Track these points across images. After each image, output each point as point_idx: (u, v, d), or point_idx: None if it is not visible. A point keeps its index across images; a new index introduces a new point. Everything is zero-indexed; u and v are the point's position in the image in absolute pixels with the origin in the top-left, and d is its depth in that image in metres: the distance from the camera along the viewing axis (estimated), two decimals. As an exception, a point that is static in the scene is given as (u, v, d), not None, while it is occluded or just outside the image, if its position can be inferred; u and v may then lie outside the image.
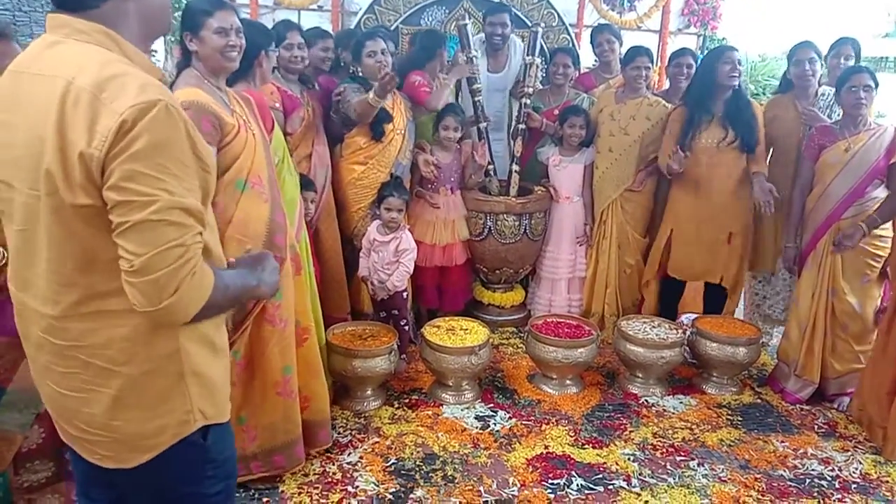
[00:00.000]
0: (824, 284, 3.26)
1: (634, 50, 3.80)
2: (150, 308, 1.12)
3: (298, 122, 3.27)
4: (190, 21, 2.18)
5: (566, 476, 2.72)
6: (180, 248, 1.12)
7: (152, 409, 1.26)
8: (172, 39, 8.96)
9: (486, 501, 2.56)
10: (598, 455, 2.88)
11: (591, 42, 4.37)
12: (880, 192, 3.15)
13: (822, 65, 3.55)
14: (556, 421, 3.14)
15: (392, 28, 4.71)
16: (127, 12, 1.21)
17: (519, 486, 2.65)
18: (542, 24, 4.26)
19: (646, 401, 3.37)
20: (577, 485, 2.67)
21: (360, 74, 3.52)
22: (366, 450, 2.85)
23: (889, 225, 3.16)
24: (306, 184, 3.14)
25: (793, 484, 2.73)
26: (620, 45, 4.24)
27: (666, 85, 4.19)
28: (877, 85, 3.13)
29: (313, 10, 5.06)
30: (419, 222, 3.83)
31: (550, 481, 2.68)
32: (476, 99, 3.90)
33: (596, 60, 4.53)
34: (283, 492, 2.55)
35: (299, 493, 2.55)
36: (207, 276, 1.18)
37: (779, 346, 3.59)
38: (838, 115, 3.45)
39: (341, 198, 3.59)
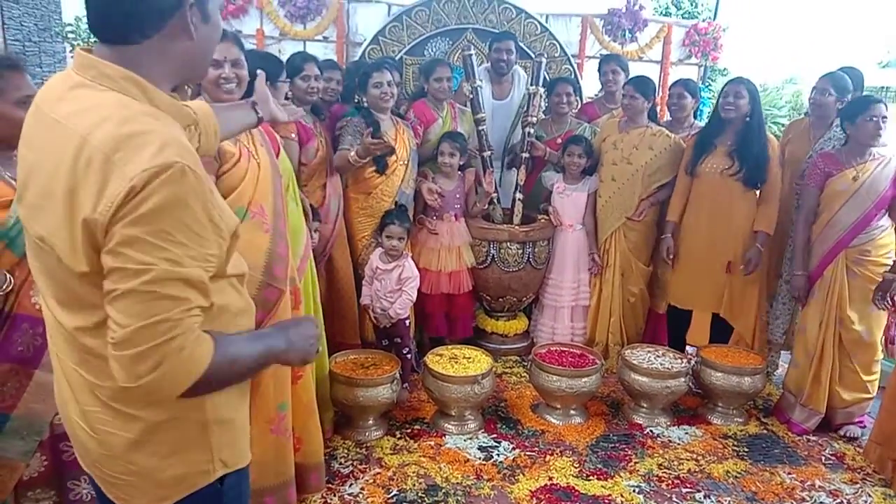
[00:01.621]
0: (832, 313, 3.24)
1: (629, 80, 3.86)
2: (129, 384, 1.03)
3: (313, 153, 3.30)
4: None
5: (570, 508, 2.68)
6: (167, 322, 1.02)
7: (170, 457, 1.19)
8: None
9: (490, 534, 2.53)
10: (602, 487, 2.84)
11: (599, 71, 4.41)
12: (884, 221, 3.16)
13: (838, 99, 3.54)
14: (561, 451, 3.11)
15: (396, 59, 4.77)
16: (167, 53, 1.13)
17: (522, 518, 2.62)
18: (545, 55, 4.30)
19: (651, 431, 3.33)
20: (582, 517, 2.63)
21: (366, 104, 3.55)
22: (367, 481, 2.82)
23: (894, 252, 3.15)
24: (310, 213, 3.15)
25: (801, 517, 2.69)
26: (626, 76, 4.26)
27: (669, 116, 4.22)
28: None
29: (318, 40, 5.13)
30: (424, 249, 3.83)
31: (554, 514, 2.65)
32: (480, 128, 3.93)
33: (601, 90, 4.58)
34: (283, 523, 2.52)
35: (300, 525, 2.52)
36: (201, 352, 1.06)
37: (785, 376, 3.55)
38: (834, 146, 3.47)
39: (346, 226, 3.60)
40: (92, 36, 1.17)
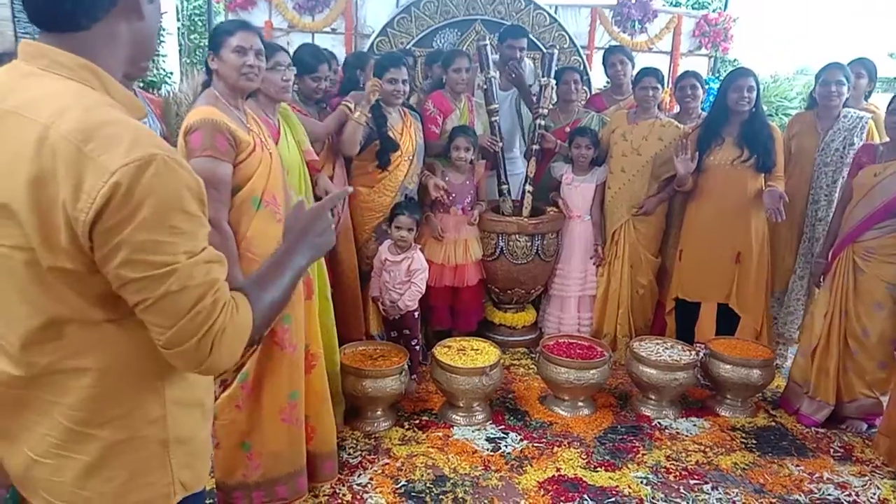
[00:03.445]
0: (837, 305, 3.24)
1: (643, 71, 3.83)
2: (196, 370, 1.08)
3: (319, 145, 3.30)
4: (213, 40, 2.27)
5: (578, 499, 2.69)
6: (205, 309, 1.03)
7: (128, 482, 1.13)
8: (189, 61, 9.11)
9: (497, 524, 2.54)
10: (610, 478, 2.85)
11: (604, 63, 4.40)
12: None
13: (849, 87, 3.53)
14: (568, 443, 3.12)
15: (407, 48, 4.77)
16: (118, 36, 1.07)
17: (530, 509, 2.63)
18: (556, 47, 4.29)
19: (659, 423, 3.34)
20: (589, 508, 2.64)
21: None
22: (376, 471, 2.84)
23: None
24: None
25: (809, 509, 2.70)
26: (633, 66, 4.27)
27: (677, 108, 4.21)
28: None
29: (327, 32, 5.14)
30: (429, 241, 3.83)
31: (562, 504, 2.66)
32: (493, 119, 3.92)
33: (608, 82, 4.56)
34: (292, 513, 2.54)
35: (309, 515, 2.54)
36: (242, 318, 1.10)
37: (791, 367, 3.55)
38: (862, 138, 3.46)
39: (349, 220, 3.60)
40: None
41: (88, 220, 0.94)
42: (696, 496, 2.75)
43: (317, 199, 3.07)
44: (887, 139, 3.20)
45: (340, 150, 3.36)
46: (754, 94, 3.47)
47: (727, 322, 3.82)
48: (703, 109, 4.14)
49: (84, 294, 1.02)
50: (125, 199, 0.93)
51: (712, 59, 5.98)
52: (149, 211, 0.95)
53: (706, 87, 4.10)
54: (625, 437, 3.20)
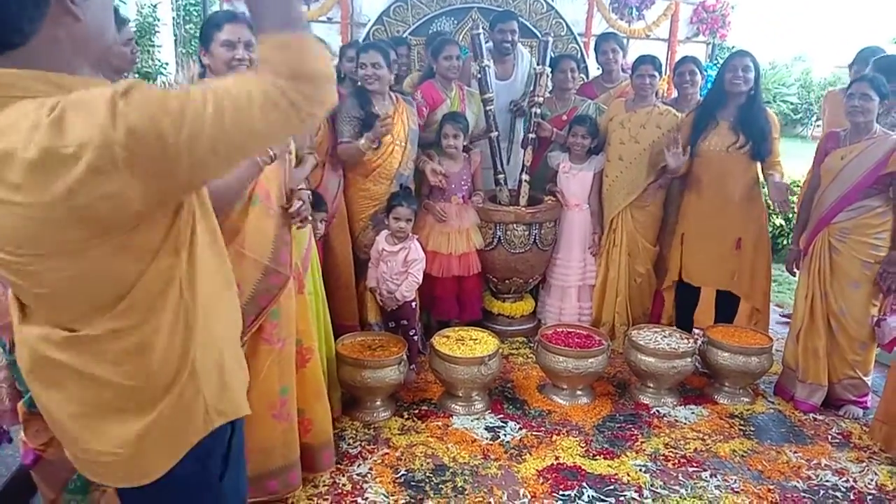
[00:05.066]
0: (817, 287, 3.28)
1: (640, 58, 3.80)
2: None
3: (313, 132, 3.28)
4: (203, 36, 2.23)
5: (577, 487, 2.70)
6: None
7: (171, 420, 1.21)
8: (184, 52, 9.05)
9: (497, 513, 2.55)
10: (609, 466, 2.86)
11: (596, 49, 4.38)
12: (872, 201, 3.12)
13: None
14: (567, 432, 3.13)
15: (403, 36, 4.74)
16: (58, 40, 1.06)
17: (529, 497, 2.63)
18: (552, 34, 4.27)
19: (657, 411, 3.35)
20: (588, 496, 2.65)
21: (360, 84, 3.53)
22: (375, 461, 2.85)
23: (886, 234, 3.13)
24: (317, 202, 3.13)
25: (807, 495, 2.70)
26: (624, 55, 4.26)
27: (675, 94, 4.19)
28: (883, 96, 3.06)
29: (323, 21, 5.10)
30: (433, 232, 3.82)
31: (561, 493, 2.66)
32: (488, 108, 3.91)
33: (598, 68, 4.55)
34: None
35: (309, 505, 2.54)
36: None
37: (784, 352, 3.56)
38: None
39: (345, 208, 3.59)
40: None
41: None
42: (694, 483, 2.76)
43: (312, 193, 3.06)
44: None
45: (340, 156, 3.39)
46: (751, 74, 3.44)
47: (726, 309, 3.83)
48: (701, 96, 4.12)
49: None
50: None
51: (710, 46, 5.96)
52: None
53: (705, 73, 4.07)
54: (623, 425, 3.21)
